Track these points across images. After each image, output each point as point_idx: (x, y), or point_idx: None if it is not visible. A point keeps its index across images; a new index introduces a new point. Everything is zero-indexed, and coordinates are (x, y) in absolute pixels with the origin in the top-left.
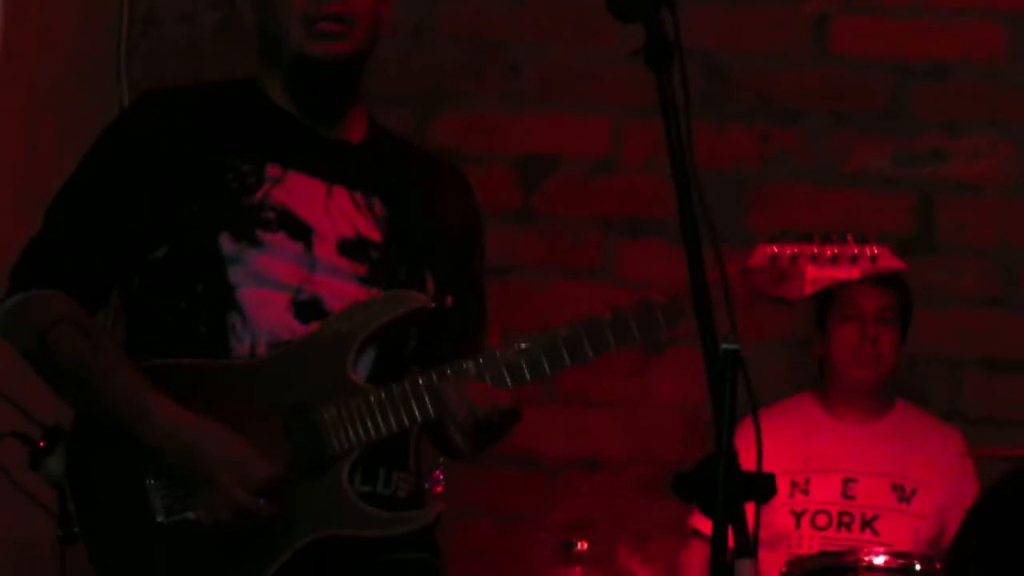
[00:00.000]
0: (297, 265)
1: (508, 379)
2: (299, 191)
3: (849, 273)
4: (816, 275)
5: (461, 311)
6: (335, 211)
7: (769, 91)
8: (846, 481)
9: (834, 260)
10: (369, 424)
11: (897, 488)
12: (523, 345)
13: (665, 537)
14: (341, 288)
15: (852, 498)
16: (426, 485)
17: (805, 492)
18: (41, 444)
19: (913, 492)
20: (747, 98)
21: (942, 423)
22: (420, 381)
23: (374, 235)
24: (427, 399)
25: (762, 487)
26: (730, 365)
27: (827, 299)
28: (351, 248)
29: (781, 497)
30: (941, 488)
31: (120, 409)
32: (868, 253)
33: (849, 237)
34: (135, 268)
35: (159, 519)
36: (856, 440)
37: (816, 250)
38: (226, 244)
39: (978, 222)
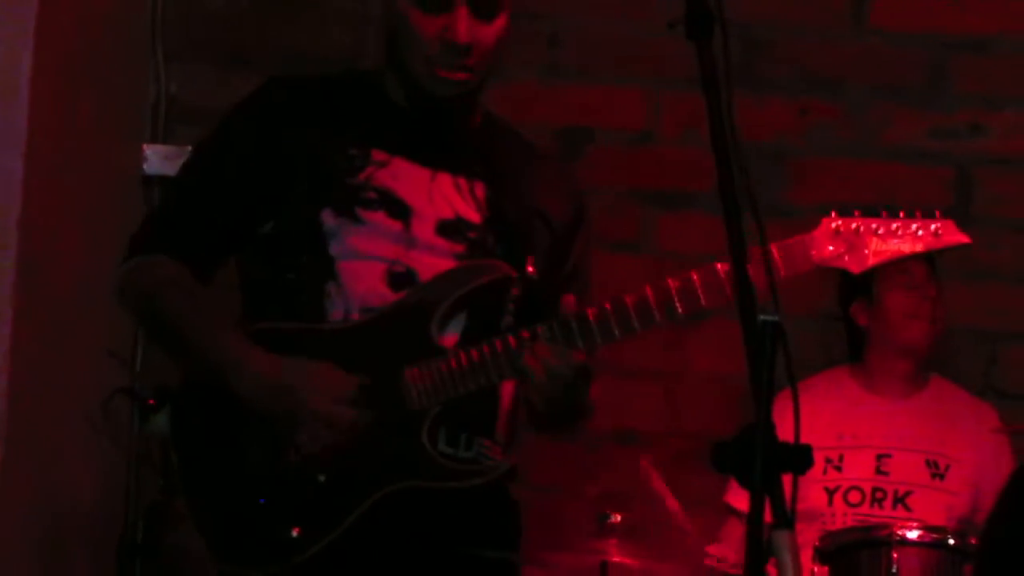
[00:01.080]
0: (395, 243)
1: (581, 343)
2: (403, 175)
3: (913, 247)
4: (879, 248)
5: (560, 293)
6: (437, 194)
7: (809, 63)
8: (880, 457)
9: (898, 233)
10: (448, 383)
11: (931, 464)
12: (595, 311)
13: (697, 509)
14: (438, 263)
15: (886, 474)
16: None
17: (839, 469)
18: (151, 401)
19: (947, 468)
20: (787, 70)
21: (977, 399)
22: (498, 344)
23: (473, 216)
24: (504, 360)
25: (799, 458)
26: (770, 337)
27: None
28: (449, 228)
29: (815, 474)
30: (975, 464)
31: (217, 361)
32: (932, 228)
33: (917, 212)
34: (247, 241)
35: (252, 472)
36: (891, 415)
37: (880, 223)
38: (328, 219)
39: (1015, 196)
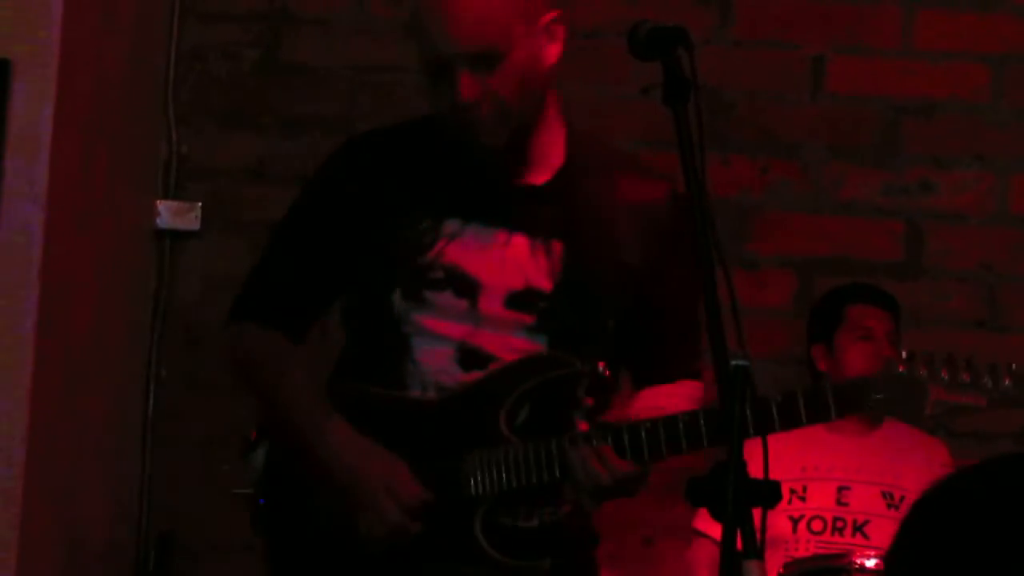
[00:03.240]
0: (461, 322)
1: (629, 455)
2: (474, 245)
3: (976, 400)
4: (940, 397)
5: (660, 335)
6: (509, 261)
7: (770, 126)
8: (840, 489)
9: (962, 387)
10: (504, 476)
11: (887, 496)
12: (648, 425)
13: (671, 538)
14: (505, 340)
15: (845, 505)
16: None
17: (802, 499)
18: (253, 435)
19: (902, 499)
20: (749, 132)
21: (928, 436)
22: (553, 444)
23: (544, 284)
24: (556, 463)
25: (769, 494)
26: (740, 380)
27: (831, 317)
28: (518, 300)
29: (781, 504)
30: None
31: (302, 430)
32: (1002, 385)
33: (981, 366)
34: (335, 303)
35: (327, 527)
36: (850, 451)
37: (946, 373)
38: (398, 301)
39: (963, 249)
